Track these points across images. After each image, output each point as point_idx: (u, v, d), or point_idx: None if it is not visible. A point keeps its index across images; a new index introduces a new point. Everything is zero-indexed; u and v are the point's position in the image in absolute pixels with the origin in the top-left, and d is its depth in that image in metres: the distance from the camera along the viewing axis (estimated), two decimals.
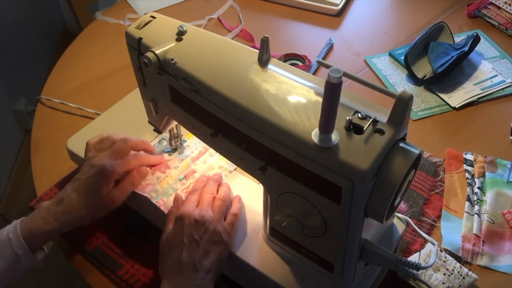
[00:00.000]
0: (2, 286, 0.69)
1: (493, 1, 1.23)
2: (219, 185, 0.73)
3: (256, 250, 0.68)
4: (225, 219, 0.70)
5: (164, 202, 0.74)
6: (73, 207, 0.70)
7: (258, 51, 0.60)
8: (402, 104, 0.50)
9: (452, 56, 1.06)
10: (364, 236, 0.59)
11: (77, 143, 0.83)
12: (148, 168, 0.77)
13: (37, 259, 0.71)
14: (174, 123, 0.77)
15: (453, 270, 0.73)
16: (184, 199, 0.72)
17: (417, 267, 0.60)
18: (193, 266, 0.63)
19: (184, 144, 0.81)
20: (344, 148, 0.50)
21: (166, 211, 0.72)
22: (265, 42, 0.58)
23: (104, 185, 0.71)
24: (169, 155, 0.80)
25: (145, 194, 0.74)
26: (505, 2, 1.22)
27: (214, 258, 0.65)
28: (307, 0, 1.29)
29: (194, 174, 0.77)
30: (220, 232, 0.66)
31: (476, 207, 0.84)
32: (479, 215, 0.83)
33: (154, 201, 0.73)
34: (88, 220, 0.72)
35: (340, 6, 1.28)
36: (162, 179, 0.76)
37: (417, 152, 0.51)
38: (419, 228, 0.74)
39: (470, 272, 0.73)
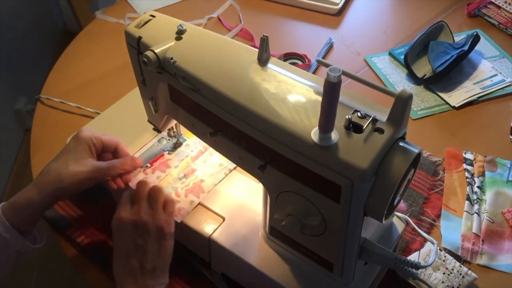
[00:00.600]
0: None
1: (493, 0, 1.23)
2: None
3: (255, 249, 0.68)
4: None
5: None
6: (52, 168, 0.69)
7: (257, 50, 0.60)
8: (402, 103, 0.50)
9: (452, 56, 1.06)
10: (363, 235, 0.59)
11: None
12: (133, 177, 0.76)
13: (27, 241, 0.70)
14: (173, 122, 0.77)
15: (452, 269, 0.73)
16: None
17: (417, 266, 0.60)
18: (145, 271, 0.63)
19: (184, 143, 0.81)
20: (343, 147, 0.50)
21: None
22: (264, 41, 0.58)
23: (81, 146, 0.71)
24: (169, 153, 0.80)
25: None
26: (505, 1, 1.22)
27: (163, 254, 0.65)
28: None
29: (194, 172, 0.77)
30: (162, 226, 0.66)
31: (476, 206, 0.84)
32: (478, 214, 0.83)
33: None
34: (70, 182, 0.69)
35: (340, 6, 1.28)
36: (162, 178, 0.76)
37: (416, 151, 0.51)
38: (418, 227, 0.74)
39: (469, 271, 0.73)
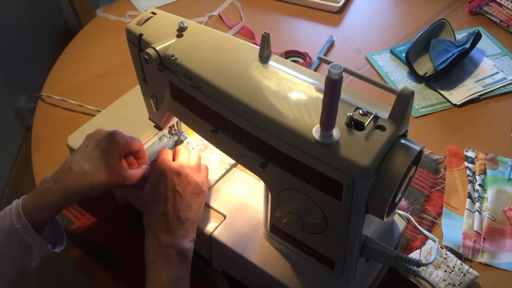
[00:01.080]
0: (12, 275, 0.65)
1: None
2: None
3: (256, 246, 0.68)
4: None
5: None
6: (85, 173, 0.66)
7: (259, 47, 0.60)
8: (403, 100, 0.49)
9: (453, 53, 1.06)
10: (364, 232, 0.59)
11: (78, 140, 0.82)
12: None
13: (49, 246, 0.67)
14: (174, 120, 0.77)
15: (453, 267, 0.73)
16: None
17: (418, 264, 0.60)
18: (178, 218, 0.65)
19: (185, 141, 0.81)
20: (345, 144, 0.50)
21: None
22: (266, 39, 0.58)
23: (115, 150, 0.69)
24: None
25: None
26: None
27: (196, 209, 0.67)
28: None
29: None
30: (200, 184, 0.69)
31: (477, 204, 0.84)
32: (480, 212, 0.83)
33: None
34: (99, 189, 0.67)
35: (341, 3, 1.27)
36: None
37: (418, 148, 0.51)
38: (419, 225, 0.74)
39: (470, 269, 0.73)
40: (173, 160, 0.71)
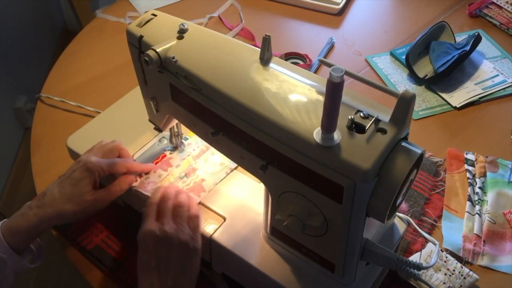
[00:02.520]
0: None
1: (495, 1, 1.23)
2: (177, 192, 0.71)
3: (256, 249, 0.68)
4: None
5: None
6: (55, 201, 0.68)
7: (259, 49, 0.60)
8: (405, 103, 0.49)
9: (453, 56, 1.06)
10: (365, 235, 0.58)
11: (77, 142, 0.83)
12: (137, 177, 0.76)
13: (24, 261, 0.70)
14: (175, 122, 0.76)
15: (454, 270, 0.73)
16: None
17: (419, 267, 0.60)
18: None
19: (186, 142, 0.81)
20: (346, 147, 0.50)
21: None
22: (266, 41, 0.58)
23: (88, 179, 0.69)
24: (170, 153, 0.80)
25: (146, 193, 0.74)
26: (507, 2, 1.22)
27: (189, 273, 0.63)
28: None
29: (196, 172, 0.77)
30: (187, 242, 0.64)
31: (477, 207, 0.84)
32: (480, 215, 0.83)
33: None
34: (70, 217, 0.69)
35: (341, 5, 1.27)
36: (164, 177, 0.76)
37: (419, 151, 0.51)
38: (420, 228, 0.74)
39: (471, 272, 0.73)
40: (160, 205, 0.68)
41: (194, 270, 0.64)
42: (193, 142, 0.81)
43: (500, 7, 1.23)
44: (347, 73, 0.51)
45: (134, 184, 0.75)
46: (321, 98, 0.51)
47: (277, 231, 0.65)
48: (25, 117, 2.00)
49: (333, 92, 0.46)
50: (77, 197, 0.68)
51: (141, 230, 0.65)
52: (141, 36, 0.64)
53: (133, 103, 0.87)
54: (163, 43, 0.62)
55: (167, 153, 0.79)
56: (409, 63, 1.09)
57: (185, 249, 0.64)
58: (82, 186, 0.69)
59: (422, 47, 1.12)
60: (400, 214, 0.71)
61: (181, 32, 0.64)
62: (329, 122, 0.49)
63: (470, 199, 0.85)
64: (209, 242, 0.69)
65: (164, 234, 0.63)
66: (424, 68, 1.09)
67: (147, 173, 0.77)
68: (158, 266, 0.62)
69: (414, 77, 1.09)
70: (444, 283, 0.72)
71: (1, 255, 0.66)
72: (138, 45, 0.65)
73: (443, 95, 1.05)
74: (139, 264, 0.64)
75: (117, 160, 0.73)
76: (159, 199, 0.69)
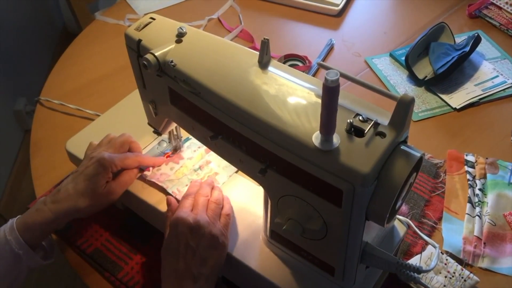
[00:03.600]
0: (4, 286, 0.69)
1: (494, 2, 1.23)
2: (212, 188, 0.72)
3: (256, 252, 0.68)
4: None
5: (179, 192, 0.74)
6: (70, 196, 0.70)
7: (258, 53, 0.60)
8: (404, 107, 0.49)
9: (453, 57, 1.06)
10: (365, 239, 0.58)
11: (77, 145, 0.83)
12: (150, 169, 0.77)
13: (38, 257, 0.71)
14: (173, 125, 0.76)
15: (454, 273, 0.73)
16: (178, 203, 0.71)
17: (419, 270, 0.60)
18: (191, 276, 0.62)
19: (185, 144, 0.81)
20: (345, 151, 0.50)
21: None
22: (265, 44, 0.58)
23: (101, 174, 0.70)
24: (170, 155, 0.80)
25: (161, 184, 0.75)
26: (506, 3, 1.21)
27: (212, 263, 0.64)
28: (307, 0, 1.29)
29: (209, 164, 0.78)
30: (217, 235, 0.65)
31: (477, 209, 0.84)
32: (480, 217, 0.82)
33: (170, 191, 0.74)
34: (85, 211, 0.71)
35: (340, 7, 1.27)
36: (177, 170, 0.77)
37: (418, 155, 0.51)
38: (420, 230, 0.73)
39: (471, 275, 0.73)
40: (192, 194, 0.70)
41: (218, 264, 0.65)
42: (196, 141, 0.81)
43: (500, 8, 1.22)
44: (344, 76, 0.51)
45: (146, 172, 0.77)
46: (320, 102, 0.51)
47: (276, 235, 0.65)
48: (24, 119, 2.01)
49: (329, 96, 0.46)
50: (91, 191, 0.70)
51: (175, 215, 0.66)
52: (140, 40, 0.64)
53: (132, 106, 0.87)
54: (162, 47, 0.62)
55: (170, 154, 0.80)
56: (408, 64, 1.08)
57: (215, 241, 0.65)
58: (96, 181, 0.70)
59: (422, 48, 1.11)
60: (400, 217, 0.71)
61: (180, 36, 0.64)
62: (327, 125, 0.49)
63: (470, 201, 0.85)
64: None
65: (197, 223, 0.64)
66: (424, 69, 1.09)
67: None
68: (185, 252, 0.63)
69: (413, 78, 1.09)
70: (445, 285, 0.72)
71: (16, 251, 0.67)
72: (136, 49, 0.65)
73: (443, 96, 1.05)
74: (165, 248, 0.66)
75: (129, 154, 0.74)
76: (196, 192, 0.70)
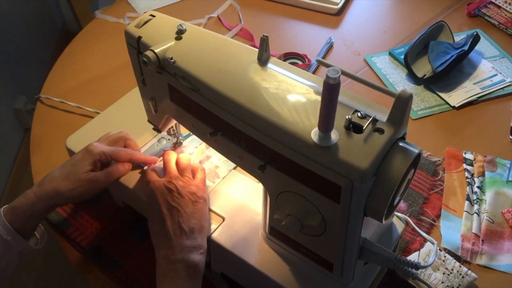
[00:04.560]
0: None
1: (493, 0, 1.23)
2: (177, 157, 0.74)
3: (255, 249, 0.68)
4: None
5: None
6: (53, 179, 0.70)
7: (257, 50, 0.60)
8: (402, 103, 0.49)
9: (452, 55, 1.06)
10: (363, 235, 0.59)
11: (77, 142, 0.83)
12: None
13: (28, 242, 0.71)
14: (173, 122, 0.77)
15: (452, 269, 0.73)
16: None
17: (417, 266, 0.60)
18: (181, 231, 0.64)
19: (190, 138, 0.81)
20: (343, 147, 0.50)
21: None
22: (264, 41, 0.58)
23: (87, 160, 0.71)
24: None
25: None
26: (505, 1, 1.22)
27: (198, 217, 0.67)
28: None
29: (210, 159, 0.78)
30: (194, 192, 0.68)
31: (476, 207, 0.84)
32: (478, 215, 0.83)
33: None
34: (66, 195, 0.70)
35: (340, 5, 1.28)
36: None
37: (416, 151, 0.51)
38: (418, 227, 0.74)
39: (469, 271, 0.73)
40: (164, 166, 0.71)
41: (203, 217, 0.68)
42: (196, 138, 0.81)
43: (499, 7, 1.23)
44: (345, 74, 0.51)
45: (146, 168, 0.77)
46: (319, 98, 0.51)
47: (275, 231, 0.65)
48: (25, 118, 2.01)
49: (330, 93, 0.46)
50: (74, 175, 0.70)
51: (149, 181, 0.68)
52: (140, 37, 0.65)
53: (132, 103, 0.87)
54: (162, 44, 0.62)
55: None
56: (407, 63, 1.09)
57: (194, 197, 0.68)
58: (80, 166, 0.71)
59: (421, 47, 1.12)
60: (399, 214, 0.71)
61: (179, 33, 0.64)
62: (326, 122, 0.49)
63: (468, 199, 0.85)
64: (208, 242, 0.70)
65: (173, 185, 0.67)
66: (423, 68, 1.09)
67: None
68: (170, 212, 0.66)
69: (412, 76, 1.09)
70: (443, 282, 0.73)
71: (5, 237, 0.68)
72: (136, 46, 0.66)
73: (442, 94, 1.05)
74: (150, 214, 0.68)
75: (121, 148, 0.75)
76: (163, 155, 0.72)
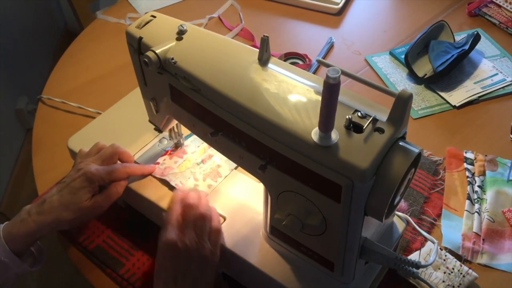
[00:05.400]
0: None
1: (494, 0, 1.23)
2: (199, 197, 0.71)
3: (256, 248, 0.69)
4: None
5: (182, 185, 0.75)
6: (53, 209, 0.69)
7: (258, 50, 0.60)
8: (402, 102, 0.50)
9: (453, 55, 1.06)
10: (364, 234, 0.59)
11: (78, 142, 0.83)
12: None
13: (25, 264, 0.71)
14: (174, 122, 0.77)
15: (453, 269, 0.74)
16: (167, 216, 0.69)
17: (417, 265, 0.60)
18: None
19: (193, 137, 0.82)
20: (344, 147, 0.50)
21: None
22: (265, 41, 0.58)
23: (87, 188, 0.70)
24: (171, 152, 0.80)
25: (164, 177, 0.75)
26: (506, 1, 1.22)
27: (204, 283, 0.64)
28: None
29: (212, 158, 0.79)
30: (206, 256, 0.65)
31: (476, 206, 0.84)
32: (479, 214, 0.83)
33: (173, 183, 0.75)
34: (68, 223, 0.71)
35: (340, 5, 1.28)
36: (180, 163, 0.78)
37: (416, 150, 0.51)
38: (419, 226, 0.74)
39: (470, 271, 0.73)
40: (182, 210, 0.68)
41: (209, 282, 0.65)
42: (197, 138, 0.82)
43: (500, 6, 1.23)
44: (345, 73, 0.51)
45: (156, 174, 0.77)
46: (319, 98, 0.52)
47: (276, 231, 0.66)
48: (26, 118, 2.01)
49: (330, 93, 0.46)
50: (75, 205, 0.70)
51: (162, 238, 0.65)
52: (141, 38, 0.65)
53: (133, 104, 0.87)
54: (162, 44, 0.63)
55: (169, 152, 0.80)
56: (408, 63, 1.09)
57: (204, 262, 0.65)
58: (80, 195, 0.70)
59: (422, 46, 1.12)
60: (399, 213, 0.71)
61: (180, 33, 0.64)
62: (326, 122, 0.49)
63: (469, 198, 0.85)
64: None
65: (185, 247, 0.64)
66: (424, 67, 1.09)
67: (163, 160, 0.78)
68: (175, 277, 0.63)
69: (413, 76, 1.09)
70: (443, 281, 0.73)
71: (3, 259, 0.68)
72: (137, 47, 0.66)
73: (443, 94, 1.05)
74: (157, 270, 0.65)
75: (117, 166, 0.73)
76: (182, 207, 0.68)
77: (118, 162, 0.76)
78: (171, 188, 0.75)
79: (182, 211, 0.68)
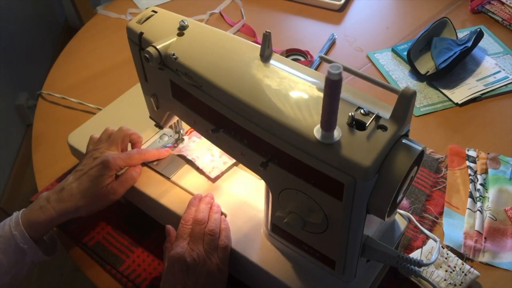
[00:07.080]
0: (6, 280, 0.69)
1: None
2: (210, 207, 0.71)
3: (257, 246, 0.68)
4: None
5: (198, 159, 0.77)
6: (72, 196, 0.71)
7: (260, 46, 0.59)
8: (405, 100, 0.49)
9: (455, 52, 1.05)
10: (365, 232, 0.58)
11: (78, 138, 0.83)
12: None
13: (42, 252, 0.72)
14: (175, 119, 0.76)
15: (455, 267, 0.73)
16: (176, 229, 0.69)
17: (419, 264, 0.60)
18: None
19: (186, 138, 0.81)
20: (346, 144, 0.50)
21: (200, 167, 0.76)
22: (267, 37, 0.58)
23: (105, 176, 0.71)
24: (173, 149, 0.80)
25: (181, 153, 0.78)
26: None
27: None
28: None
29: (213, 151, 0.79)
30: (214, 272, 0.65)
31: (479, 204, 0.84)
32: (481, 212, 0.82)
33: (189, 157, 0.77)
34: (86, 210, 0.72)
35: (342, 1, 1.27)
36: (198, 142, 0.80)
37: (420, 148, 0.51)
38: (421, 224, 0.73)
39: (472, 269, 0.73)
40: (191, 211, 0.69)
41: None
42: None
43: (503, 3, 1.22)
44: (347, 70, 0.51)
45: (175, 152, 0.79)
46: (322, 95, 0.51)
47: (277, 228, 0.65)
48: (26, 114, 2.01)
49: (332, 90, 0.46)
50: (93, 192, 0.71)
51: (172, 252, 0.65)
52: (141, 33, 0.64)
53: (134, 100, 0.87)
54: (163, 40, 0.62)
55: (168, 149, 0.80)
56: (410, 60, 1.08)
57: (212, 278, 0.65)
58: (99, 182, 0.71)
59: (424, 43, 1.11)
60: (401, 211, 0.71)
61: (181, 29, 0.64)
62: (328, 119, 0.49)
63: (471, 196, 0.85)
64: None
65: (193, 262, 0.64)
66: (426, 65, 1.09)
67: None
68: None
69: (415, 73, 1.09)
70: (445, 279, 0.72)
71: (21, 245, 0.69)
72: (138, 42, 0.65)
73: (445, 91, 1.04)
74: (164, 282, 0.65)
75: (133, 152, 0.75)
76: (193, 220, 0.69)
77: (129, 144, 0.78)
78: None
79: (193, 223, 0.68)
